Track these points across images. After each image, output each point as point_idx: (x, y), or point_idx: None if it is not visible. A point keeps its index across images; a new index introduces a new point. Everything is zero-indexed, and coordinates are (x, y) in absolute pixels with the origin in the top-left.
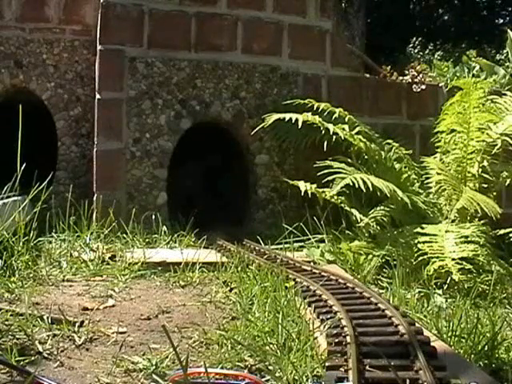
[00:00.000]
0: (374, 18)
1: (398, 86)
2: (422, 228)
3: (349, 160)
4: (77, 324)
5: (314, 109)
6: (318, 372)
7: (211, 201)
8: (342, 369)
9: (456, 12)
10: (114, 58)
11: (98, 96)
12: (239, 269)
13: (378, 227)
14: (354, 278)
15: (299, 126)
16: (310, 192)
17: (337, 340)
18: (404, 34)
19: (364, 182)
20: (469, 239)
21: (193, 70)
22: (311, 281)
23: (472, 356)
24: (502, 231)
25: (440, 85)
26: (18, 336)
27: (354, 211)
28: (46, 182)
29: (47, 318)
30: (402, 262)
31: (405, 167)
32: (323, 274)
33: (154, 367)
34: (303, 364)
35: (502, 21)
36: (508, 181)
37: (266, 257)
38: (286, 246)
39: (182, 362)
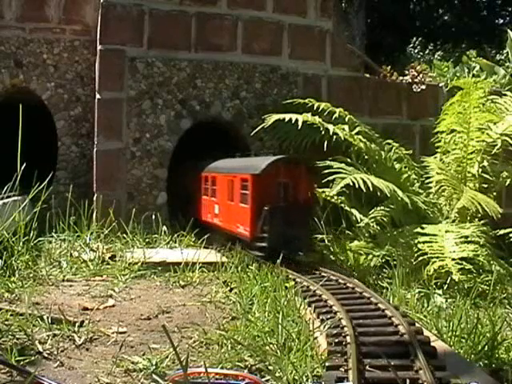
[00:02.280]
0: (374, 18)
1: (398, 86)
2: (422, 228)
3: (349, 160)
4: (77, 324)
5: (314, 109)
6: (318, 372)
7: None
8: (342, 369)
9: (456, 12)
10: (114, 58)
11: (98, 96)
12: (239, 269)
13: (378, 227)
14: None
15: (299, 127)
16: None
17: (337, 340)
18: (404, 34)
19: (364, 182)
20: (469, 239)
21: (193, 69)
22: (311, 281)
23: (472, 356)
24: (502, 231)
25: (440, 85)
26: (18, 336)
27: (353, 211)
28: (46, 182)
29: (47, 317)
30: (401, 262)
31: (405, 167)
32: (323, 274)
33: (154, 367)
34: (303, 364)
35: (502, 21)
36: (508, 181)
37: None
38: None
39: (182, 361)
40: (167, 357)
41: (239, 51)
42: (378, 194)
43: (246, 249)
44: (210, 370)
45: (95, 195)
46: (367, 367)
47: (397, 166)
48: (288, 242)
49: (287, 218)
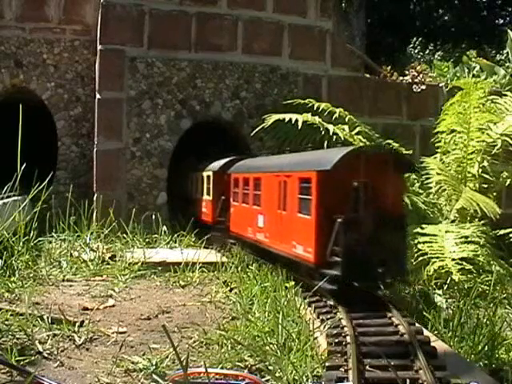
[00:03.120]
0: (374, 18)
1: (398, 87)
2: (422, 228)
3: None
4: (77, 324)
5: (314, 109)
6: (318, 372)
7: None
8: (342, 369)
9: (456, 12)
10: (115, 58)
11: (98, 96)
12: (239, 269)
13: None
14: None
15: (299, 127)
16: None
17: (337, 340)
18: (404, 34)
19: None
20: (469, 239)
21: (193, 69)
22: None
23: (472, 356)
24: (502, 231)
25: (440, 85)
26: (18, 336)
27: None
28: (46, 182)
29: (47, 317)
30: None
31: None
32: None
33: (154, 367)
34: (303, 364)
35: (502, 21)
36: (508, 181)
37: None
38: None
39: (182, 361)
40: (167, 357)
41: (239, 51)
42: None
43: (306, 277)
44: (210, 370)
45: (95, 195)
46: (367, 367)
47: None
48: (371, 269)
49: (370, 233)
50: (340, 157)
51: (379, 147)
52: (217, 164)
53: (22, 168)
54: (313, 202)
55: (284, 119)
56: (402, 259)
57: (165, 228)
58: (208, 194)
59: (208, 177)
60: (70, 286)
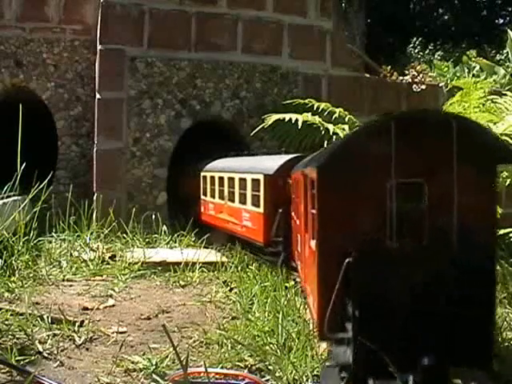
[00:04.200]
0: (374, 18)
1: (398, 86)
2: None
3: None
4: (77, 324)
5: (314, 109)
6: (318, 372)
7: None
8: None
9: (456, 12)
10: (114, 57)
11: (98, 96)
12: (239, 269)
13: None
14: None
15: (299, 127)
16: None
17: None
18: (404, 33)
19: None
20: None
21: (193, 69)
22: None
23: None
24: (501, 231)
25: (440, 85)
26: (17, 336)
27: None
28: (46, 182)
29: (47, 317)
30: None
31: None
32: None
33: (153, 367)
34: (303, 364)
35: (502, 21)
36: (508, 181)
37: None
38: None
39: (182, 361)
40: (167, 357)
41: (239, 51)
42: None
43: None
44: (209, 369)
45: (95, 195)
46: None
47: None
48: (410, 356)
49: (413, 284)
50: (348, 139)
51: (437, 113)
52: (270, 165)
53: (22, 168)
54: (315, 221)
55: (284, 119)
56: (483, 335)
57: (165, 228)
58: (255, 204)
59: (255, 181)
60: (70, 285)
